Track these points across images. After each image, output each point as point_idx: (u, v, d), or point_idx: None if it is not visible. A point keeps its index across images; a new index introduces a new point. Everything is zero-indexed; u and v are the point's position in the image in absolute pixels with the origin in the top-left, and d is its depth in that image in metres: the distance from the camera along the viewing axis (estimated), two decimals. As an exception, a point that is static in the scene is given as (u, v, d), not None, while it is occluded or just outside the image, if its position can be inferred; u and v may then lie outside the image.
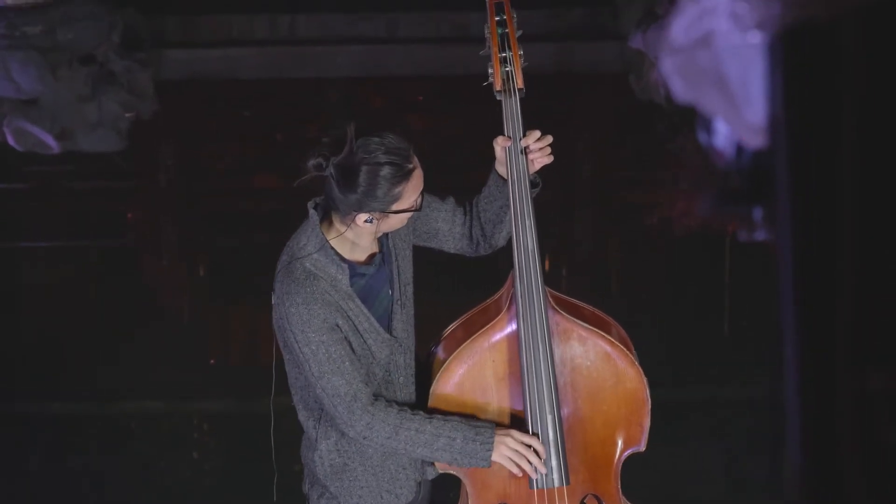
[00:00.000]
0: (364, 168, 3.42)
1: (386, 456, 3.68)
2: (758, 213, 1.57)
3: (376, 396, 3.59)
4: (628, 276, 7.47)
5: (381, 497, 3.70)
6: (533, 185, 3.65)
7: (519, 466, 3.63)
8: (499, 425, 3.68)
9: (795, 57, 1.53)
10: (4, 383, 6.94)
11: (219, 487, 6.32)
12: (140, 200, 8.07)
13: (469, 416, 3.68)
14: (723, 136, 1.63)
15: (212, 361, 7.56)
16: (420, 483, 3.76)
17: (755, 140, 1.53)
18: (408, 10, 8.14)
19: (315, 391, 3.57)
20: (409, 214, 3.54)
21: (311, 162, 3.46)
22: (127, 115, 7.70)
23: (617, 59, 7.53)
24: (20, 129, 7.93)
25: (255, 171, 8.17)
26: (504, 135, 3.61)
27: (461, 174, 3.84)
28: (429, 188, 3.59)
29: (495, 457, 3.60)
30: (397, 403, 3.63)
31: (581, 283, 7.25)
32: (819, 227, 1.54)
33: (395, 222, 3.55)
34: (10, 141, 7.95)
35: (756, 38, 1.45)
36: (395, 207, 3.48)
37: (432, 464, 3.75)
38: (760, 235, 1.59)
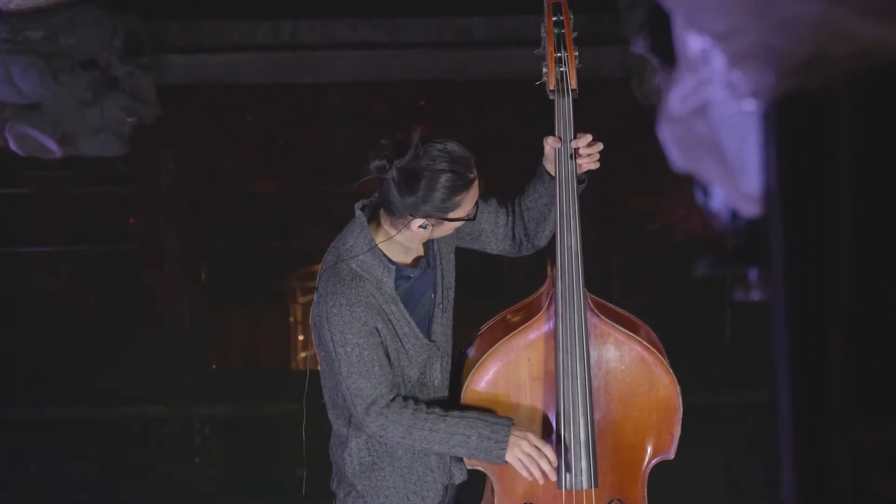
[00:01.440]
0: (427, 174, 3.44)
1: (414, 458, 3.70)
2: (753, 274, 1.60)
3: (394, 398, 3.60)
4: (630, 281, 7.47)
5: (408, 498, 3.71)
6: (578, 181, 3.66)
7: (528, 471, 3.63)
8: (530, 425, 3.69)
9: (789, 125, 1.56)
10: (5, 387, 6.94)
11: (220, 492, 6.31)
12: (141, 205, 8.07)
13: (489, 412, 3.68)
14: (719, 199, 1.65)
15: (213, 366, 7.56)
16: (447, 487, 3.78)
17: (751, 209, 1.56)
18: (410, 15, 8.14)
19: (340, 387, 3.58)
20: (460, 222, 3.56)
21: (374, 164, 3.47)
22: (129, 119, 7.70)
23: (619, 64, 7.54)
24: (22, 134, 7.93)
25: (256, 175, 8.18)
26: (555, 135, 3.62)
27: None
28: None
29: (508, 457, 3.60)
30: (414, 403, 3.64)
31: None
32: (812, 289, 1.58)
33: (447, 229, 3.57)
34: (12, 145, 7.95)
35: (751, 107, 1.46)
36: (451, 215, 3.50)
37: (460, 467, 3.77)
38: (756, 295, 1.62)
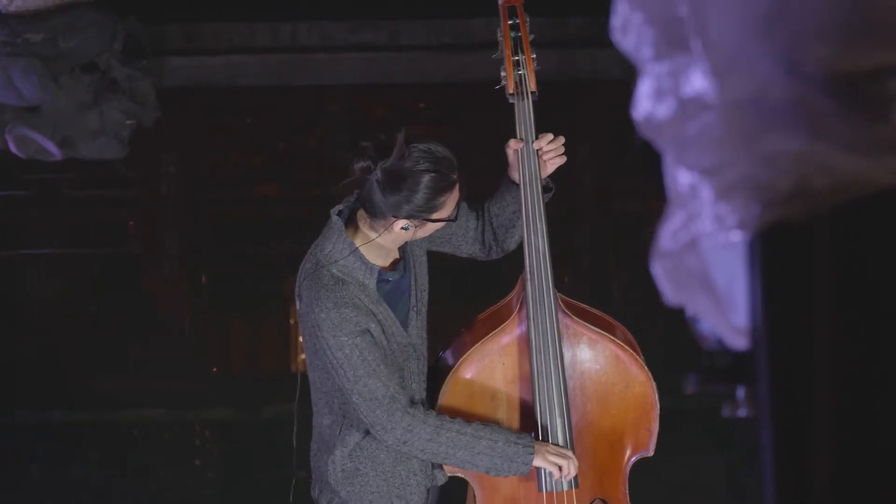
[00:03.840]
0: (412, 175, 3.45)
1: (397, 461, 3.69)
2: (741, 392, 1.70)
3: (414, 400, 3.61)
4: (629, 284, 7.46)
5: (392, 502, 3.71)
6: (546, 189, 3.70)
7: (559, 467, 3.64)
8: (508, 428, 3.70)
9: (773, 255, 1.67)
10: (5, 392, 6.94)
11: (220, 495, 6.31)
12: (142, 208, 8.06)
13: (484, 419, 3.68)
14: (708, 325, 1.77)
15: (213, 369, 7.56)
16: (429, 489, 3.78)
17: (740, 342, 1.66)
18: (410, 17, 8.14)
19: (351, 398, 3.57)
20: (442, 224, 3.58)
21: (359, 164, 3.50)
22: (127, 122, 7.69)
23: (618, 66, 7.53)
24: (22, 137, 7.92)
25: (256, 179, 8.17)
26: (516, 138, 3.65)
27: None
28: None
29: (539, 461, 3.60)
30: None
31: (583, 291, 7.24)
32: (796, 406, 1.68)
33: (428, 230, 3.59)
34: (12, 148, 7.94)
35: (738, 237, 1.55)
36: (434, 216, 3.52)
37: (441, 469, 3.76)
38: (743, 412, 1.71)
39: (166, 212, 7.96)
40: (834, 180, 1.61)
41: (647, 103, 1.76)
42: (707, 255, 1.74)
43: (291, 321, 7.84)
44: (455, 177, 3.53)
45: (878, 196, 1.60)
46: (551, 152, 3.68)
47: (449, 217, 3.56)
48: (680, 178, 1.74)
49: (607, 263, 7.71)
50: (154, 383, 7.02)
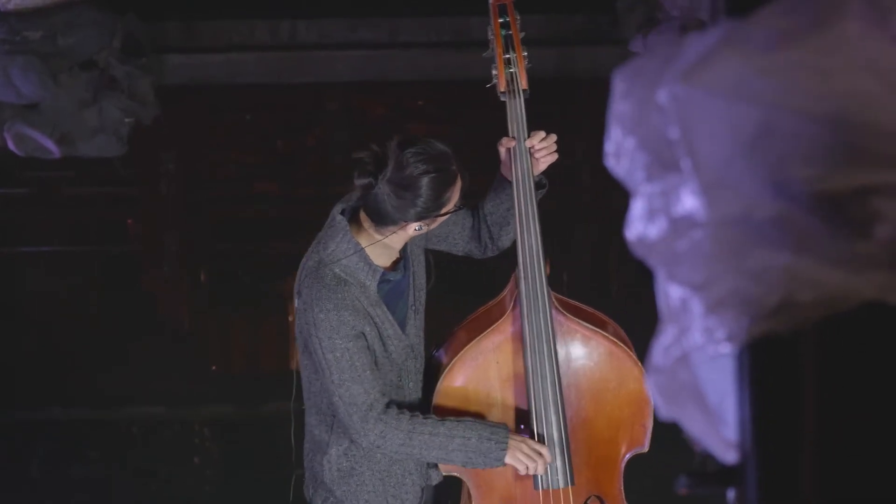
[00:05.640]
0: (415, 180, 3.47)
1: (393, 461, 3.70)
2: (731, 495, 1.79)
3: (389, 404, 3.61)
4: (628, 281, 7.45)
5: (387, 501, 3.72)
6: (539, 186, 3.70)
7: (527, 467, 3.64)
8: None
9: (761, 366, 1.74)
10: (5, 390, 6.93)
11: (219, 493, 6.31)
12: (141, 207, 8.06)
13: (478, 417, 3.70)
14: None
15: (213, 369, 7.55)
16: (423, 488, 3.78)
17: (730, 456, 1.74)
18: (409, 15, 8.14)
19: (332, 399, 3.58)
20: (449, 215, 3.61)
21: (360, 181, 3.50)
22: (126, 120, 7.69)
23: (617, 63, 7.52)
24: (21, 135, 7.91)
25: (255, 177, 8.17)
26: (508, 136, 3.65)
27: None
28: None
29: (509, 458, 3.61)
30: (408, 408, 3.66)
31: (581, 288, 7.23)
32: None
33: (439, 222, 3.61)
34: (11, 146, 7.93)
35: (727, 350, 1.61)
36: (444, 211, 3.53)
37: (436, 469, 3.77)
38: None
39: (166, 210, 7.96)
40: (819, 295, 1.66)
41: (639, 225, 1.81)
42: (698, 371, 1.79)
43: (291, 319, 7.83)
44: (454, 168, 3.54)
45: (862, 310, 1.65)
46: (543, 150, 3.67)
47: (456, 207, 3.58)
48: (671, 293, 1.80)
49: (607, 262, 7.71)
50: (154, 382, 7.02)
